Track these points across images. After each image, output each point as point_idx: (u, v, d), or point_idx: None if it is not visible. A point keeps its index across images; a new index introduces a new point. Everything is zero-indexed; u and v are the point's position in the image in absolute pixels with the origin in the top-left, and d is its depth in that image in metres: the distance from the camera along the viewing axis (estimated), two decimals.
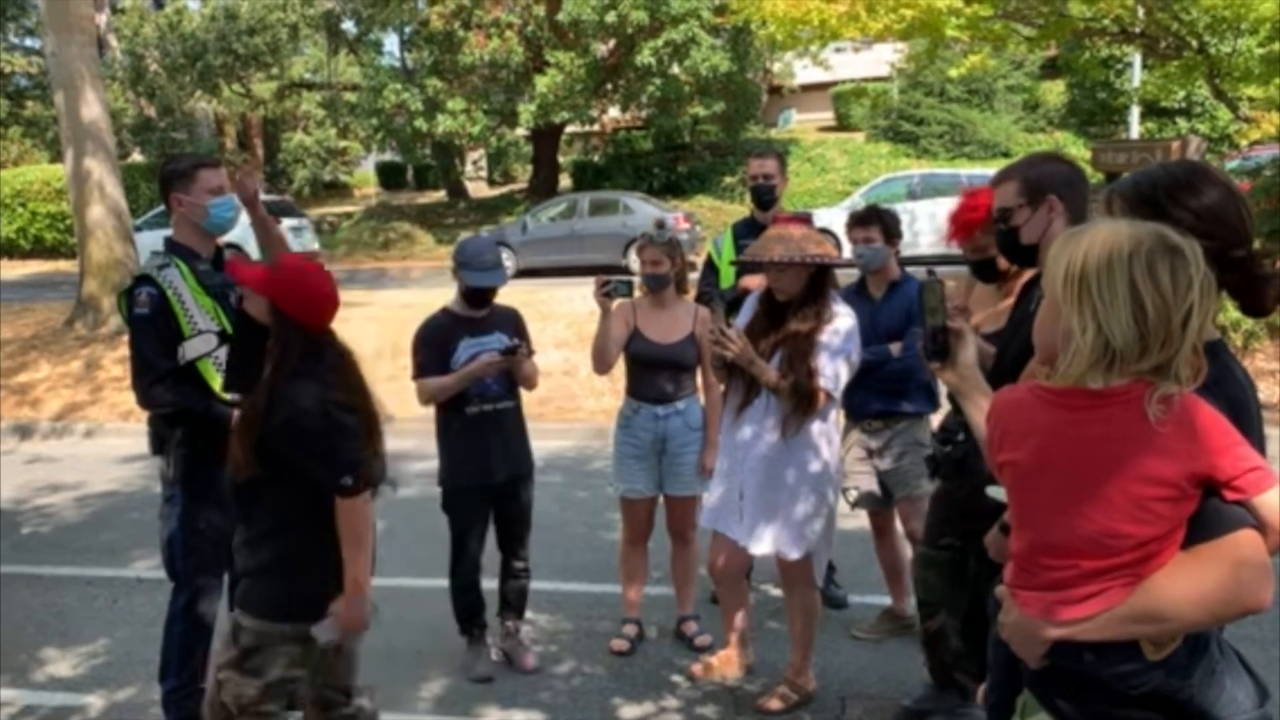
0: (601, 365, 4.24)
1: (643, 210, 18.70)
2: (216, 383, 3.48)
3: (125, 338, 3.70)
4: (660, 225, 4.33)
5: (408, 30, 24.43)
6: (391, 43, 27.97)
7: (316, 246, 20.49)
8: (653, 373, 4.26)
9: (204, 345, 3.49)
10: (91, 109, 12.38)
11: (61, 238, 22.01)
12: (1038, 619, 1.72)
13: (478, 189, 30.63)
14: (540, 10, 21.68)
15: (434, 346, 4.10)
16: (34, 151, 27.79)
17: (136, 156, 27.63)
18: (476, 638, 4.28)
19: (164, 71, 25.18)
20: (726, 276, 4.69)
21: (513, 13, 21.76)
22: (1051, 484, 1.68)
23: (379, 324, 12.04)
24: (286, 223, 19.04)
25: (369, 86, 23.19)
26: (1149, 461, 1.60)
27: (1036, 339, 1.80)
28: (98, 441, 9.30)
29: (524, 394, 4.31)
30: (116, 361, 10.91)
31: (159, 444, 3.59)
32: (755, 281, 4.36)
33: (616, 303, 4.22)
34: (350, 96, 25.74)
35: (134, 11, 26.66)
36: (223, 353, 3.47)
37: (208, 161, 3.69)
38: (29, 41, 28.46)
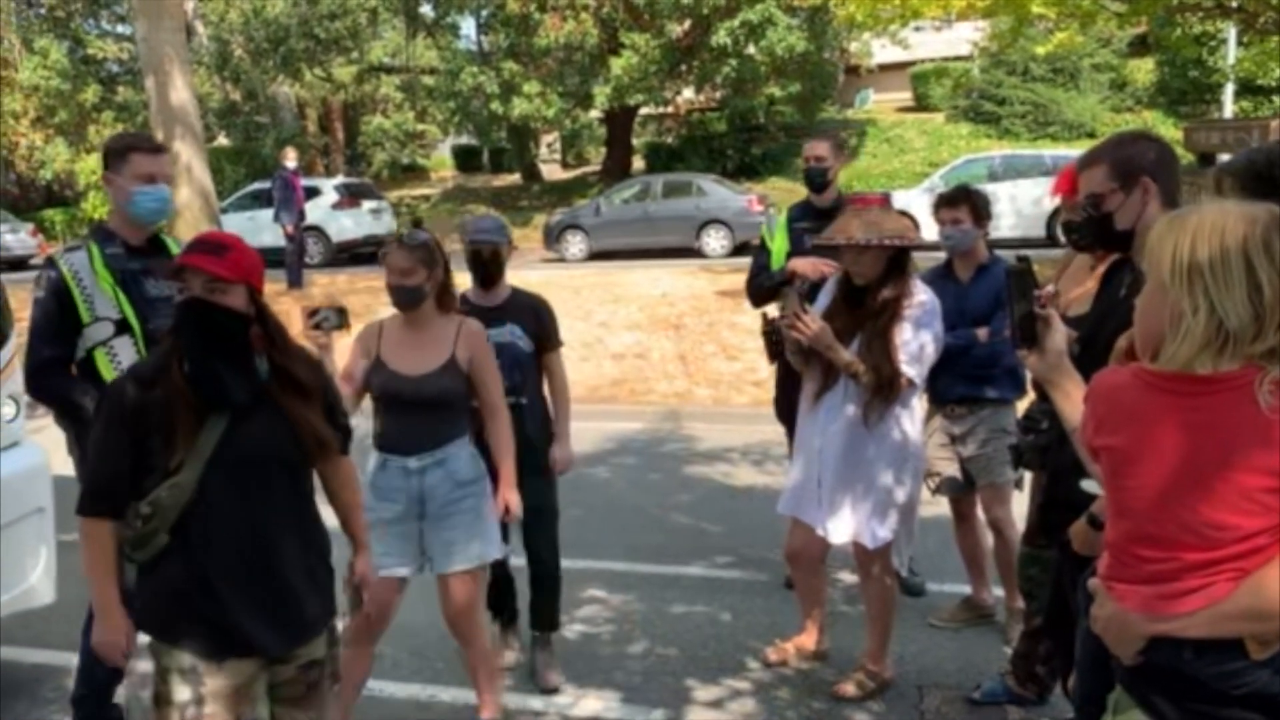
0: None
1: (716, 193, 18.58)
2: (109, 373, 3.20)
3: None
4: (416, 224, 3.48)
5: (485, 13, 24.58)
6: (469, 26, 28.19)
7: (395, 228, 20.79)
8: (402, 414, 3.30)
9: (100, 332, 3.23)
10: (180, 94, 12.72)
11: None
12: (1135, 614, 1.66)
13: (551, 171, 30.77)
14: None
15: None
16: None
17: (222, 140, 28.30)
18: (506, 624, 4.22)
19: (248, 56, 25.72)
20: (777, 259, 4.62)
21: None
22: (1153, 471, 1.62)
23: None
24: (366, 205, 19.37)
25: (446, 70, 23.44)
26: (1259, 450, 1.53)
27: (1139, 327, 1.73)
28: None
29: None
30: None
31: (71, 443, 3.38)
32: (803, 265, 4.31)
33: (352, 334, 3.40)
34: (428, 80, 26.05)
35: None
36: (119, 343, 3.22)
37: (146, 145, 3.41)
38: (120, 28, 29.28)
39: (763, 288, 4.63)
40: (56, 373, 3.27)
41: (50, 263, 3.30)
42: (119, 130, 28.22)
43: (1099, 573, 1.78)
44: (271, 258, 16.81)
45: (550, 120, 22.77)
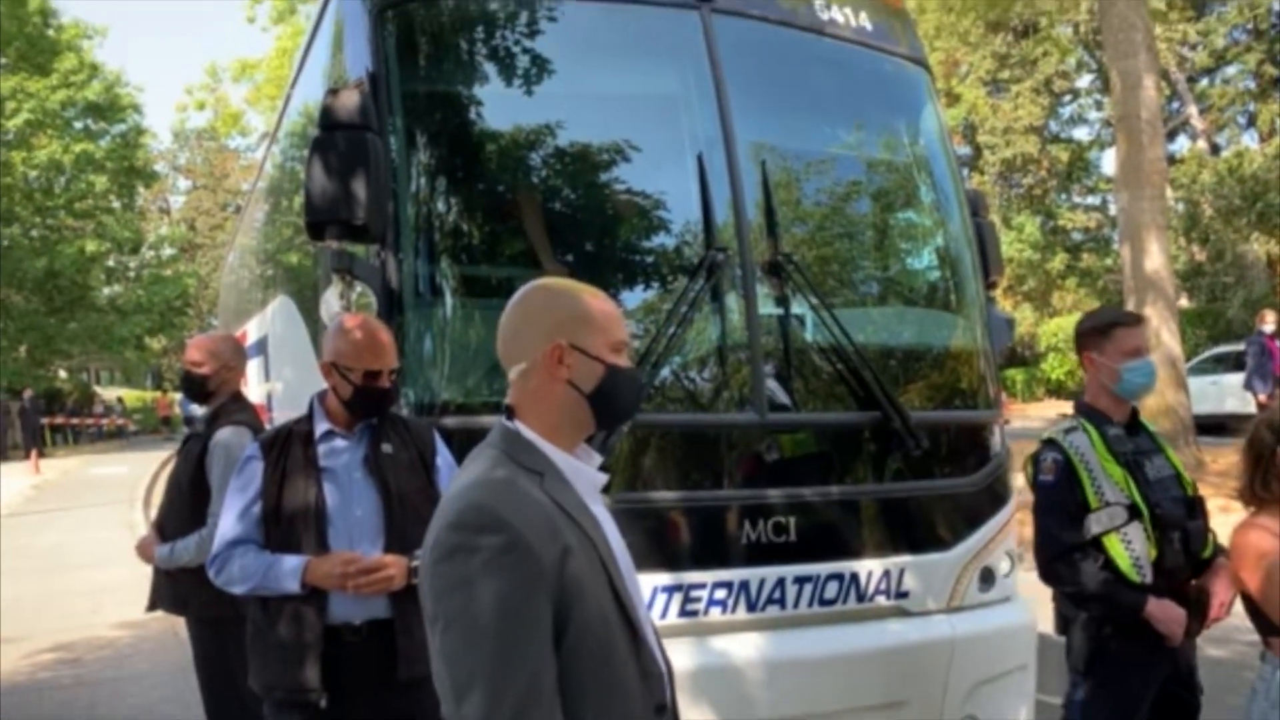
0: None
1: None
2: (1125, 561, 3.20)
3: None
4: None
5: None
6: None
7: None
8: None
9: (1110, 519, 3.23)
10: (1154, 259, 12.66)
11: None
12: None
13: None
14: None
15: None
16: (1085, 300, 29.80)
17: (1183, 302, 27.60)
18: None
19: (1219, 215, 24.80)
20: None
21: None
22: None
23: None
24: None
25: None
26: None
27: None
28: None
29: None
30: None
31: (1063, 623, 3.45)
32: None
33: None
34: None
35: (1192, 159, 26.93)
36: (1132, 529, 3.20)
37: (1129, 319, 3.51)
38: (1089, 199, 30.94)
39: None
40: (1075, 561, 3.27)
41: (1051, 444, 3.37)
42: (1080, 295, 29.66)
43: None
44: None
45: None
